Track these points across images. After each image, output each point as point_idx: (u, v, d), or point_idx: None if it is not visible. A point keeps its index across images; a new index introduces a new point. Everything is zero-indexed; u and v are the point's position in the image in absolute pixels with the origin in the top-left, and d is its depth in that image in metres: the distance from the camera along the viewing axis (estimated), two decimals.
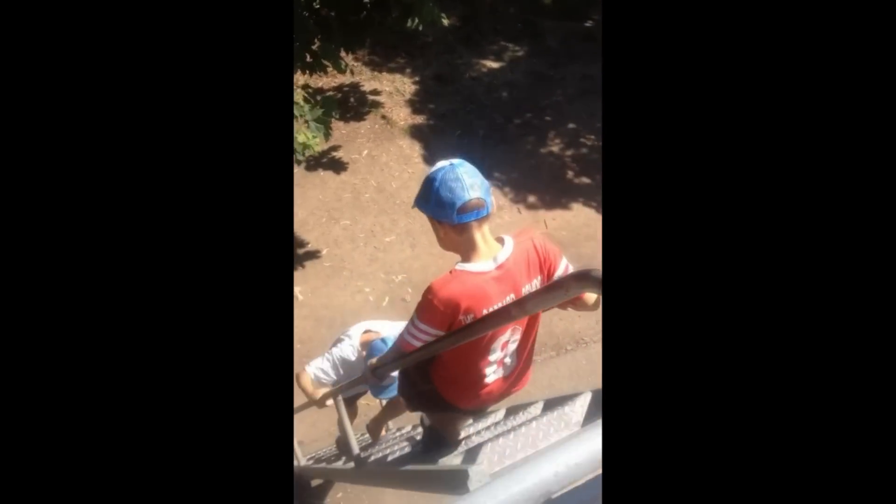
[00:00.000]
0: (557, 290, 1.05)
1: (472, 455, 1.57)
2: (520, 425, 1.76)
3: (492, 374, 1.60)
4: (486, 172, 5.23)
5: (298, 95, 3.25)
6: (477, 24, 6.88)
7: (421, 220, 5.34)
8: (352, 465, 2.27)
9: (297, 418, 3.38)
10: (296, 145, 3.17)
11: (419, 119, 6.25)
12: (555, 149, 6.09)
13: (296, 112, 3.17)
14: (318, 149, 3.31)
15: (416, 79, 6.61)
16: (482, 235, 1.43)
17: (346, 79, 6.27)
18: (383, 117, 6.19)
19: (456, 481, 1.25)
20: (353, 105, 6.21)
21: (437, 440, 1.94)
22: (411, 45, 6.83)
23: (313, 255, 4.94)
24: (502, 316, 1.23)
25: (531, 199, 5.57)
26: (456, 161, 1.45)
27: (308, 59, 3.43)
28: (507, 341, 1.55)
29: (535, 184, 5.67)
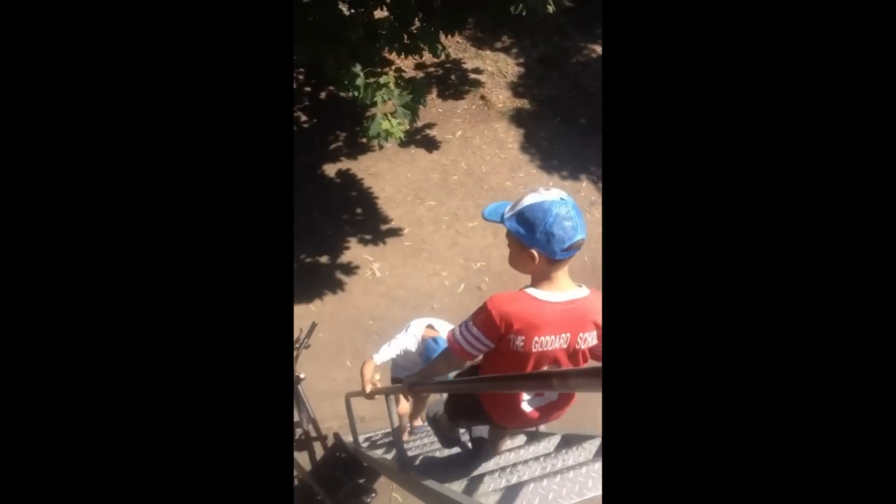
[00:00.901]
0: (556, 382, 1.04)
1: (512, 493, 1.50)
2: (568, 468, 1.68)
3: (533, 399, 1.65)
4: (582, 164, 4.91)
5: (390, 79, 3.19)
6: (591, 6, 6.48)
7: None
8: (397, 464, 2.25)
9: (355, 399, 3.43)
10: (379, 130, 3.14)
11: (519, 102, 6.04)
12: None
13: (385, 96, 3.12)
14: (401, 135, 3.24)
15: (521, 60, 6.38)
16: (563, 272, 1.49)
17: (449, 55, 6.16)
18: (482, 98, 6.04)
19: None
20: (452, 83, 6.10)
21: (478, 448, 2.06)
22: (519, 24, 6.57)
23: (395, 232, 4.96)
24: (541, 381, 1.23)
25: None
26: (565, 195, 1.47)
27: (405, 40, 3.35)
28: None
29: None
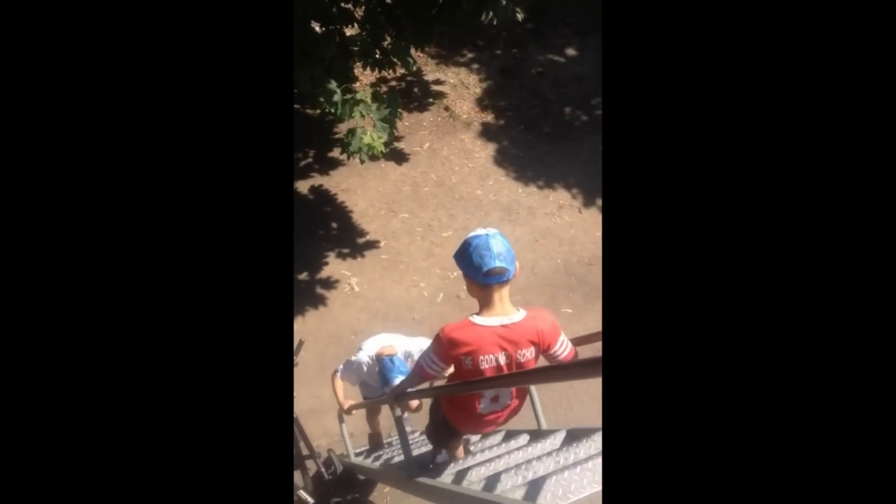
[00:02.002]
0: (558, 374, 1.29)
1: (535, 488, 1.55)
2: (586, 458, 1.74)
3: (486, 408, 1.95)
4: (549, 170, 5.06)
5: (367, 94, 3.24)
6: (546, 17, 6.69)
7: (478, 217, 5.28)
8: (403, 470, 2.27)
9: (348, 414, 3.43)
10: (361, 145, 3.17)
11: (483, 113, 6.17)
12: None
13: (363, 111, 3.17)
14: (381, 148, 3.29)
15: (482, 72, 6.52)
16: (500, 296, 1.76)
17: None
18: (446, 109, 6.14)
19: None
20: (416, 96, 6.19)
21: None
22: (478, 38, 6.72)
23: (371, 245, 4.98)
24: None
25: (593, 198, 5.42)
26: (492, 231, 1.78)
27: (378, 55, 3.41)
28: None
29: (598, 183, 5.51)
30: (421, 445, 2.91)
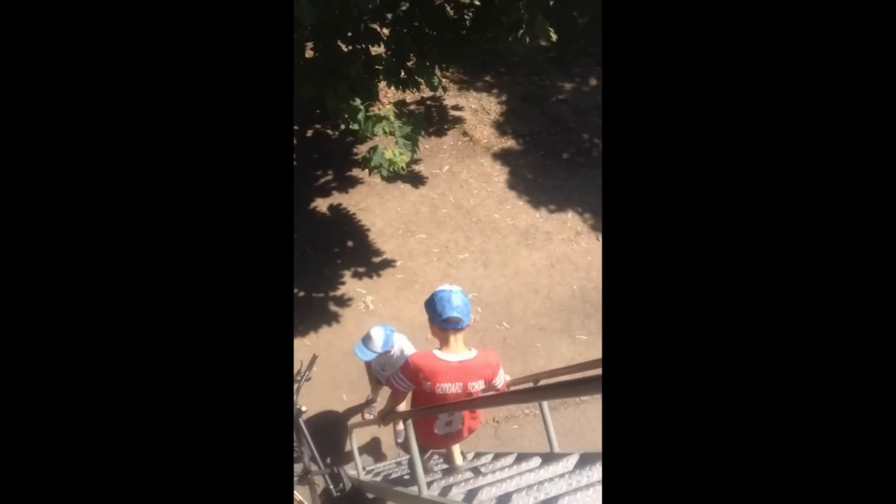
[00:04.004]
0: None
1: None
2: (599, 481, 1.72)
3: (442, 429, 2.47)
4: (567, 196, 5.05)
5: (390, 112, 3.28)
6: (568, 47, 6.77)
7: (495, 241, 5.28)
8: (415, 489, 2.23)
9: (358, 430, 3.39)
10: (382, 160, 3.21)
11: (503, 139, 6.21)
12: None
13: (386, 128, 3.21)
14: (403, 165, 3.32)
15: (503, 98, 6.58)
16: (455, 339, 2.25)
17: (428, 93, 6.32)
18: (465, 134, 6.19)
19: None
20: (435, 120, 6.26)
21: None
22: (500, 64, 6.82)
23: (387, 265, 4.98)
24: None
25: None
26: (455, 288, 2.27)
27: (402, 75, 3.46)
28: (451, 412, 2.40)
29: None
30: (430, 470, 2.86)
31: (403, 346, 3.37)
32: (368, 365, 3.69)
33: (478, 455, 2.92)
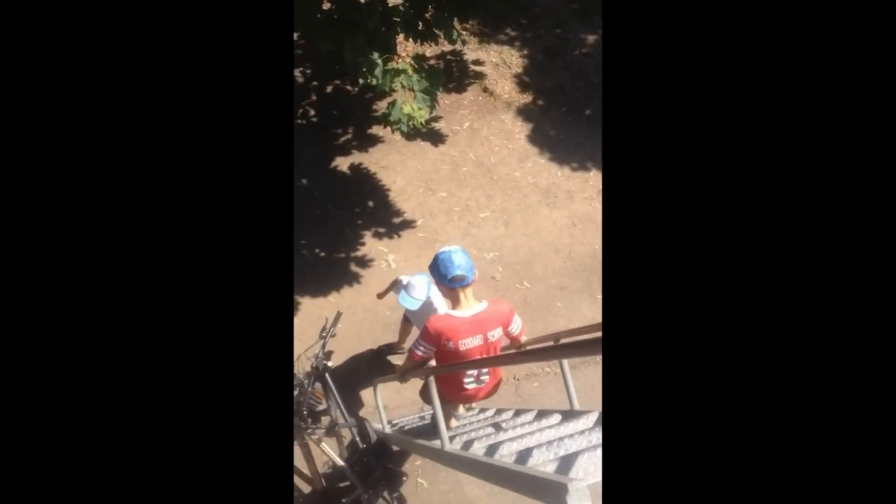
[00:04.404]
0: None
1: (567, 463, 1.52)
2: None
3: (471, 383, 2.58)
4: (590, 154, 4.94)
5: (408, 65, 3.21)
6: None
7: (516, 199, 5.22)
8: (437, 443, 2.28)
9: (382, 385, 3.45)
10: (401, 115, 3.15)
11: (524, 94, 6.06)
12: None
13: (404, 82, 3.14)
14: (423, 120, 3.26)
15: (525, 51, 6.39)
16: (465, 295, 2.37)
17: (448, 47, 6.16)
18: (485, 90, 6.06)
19: (554, 492, 1.20)
20: (455, 75, 6.12)
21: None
22: (521, 16, 6.59)
23: (409, 224, 4.97)
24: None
25: None
26: (454, 248, 2.38)
27: (420, 27, 3.37)
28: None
29: None
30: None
31: (435, 295, 3.38)
32: (406, 318, 3.79)
33: (498, 411, 2.96)
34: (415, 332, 3.85)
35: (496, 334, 2.40)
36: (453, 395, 2.61)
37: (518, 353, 2.43)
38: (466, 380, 2.56)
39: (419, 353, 2.43)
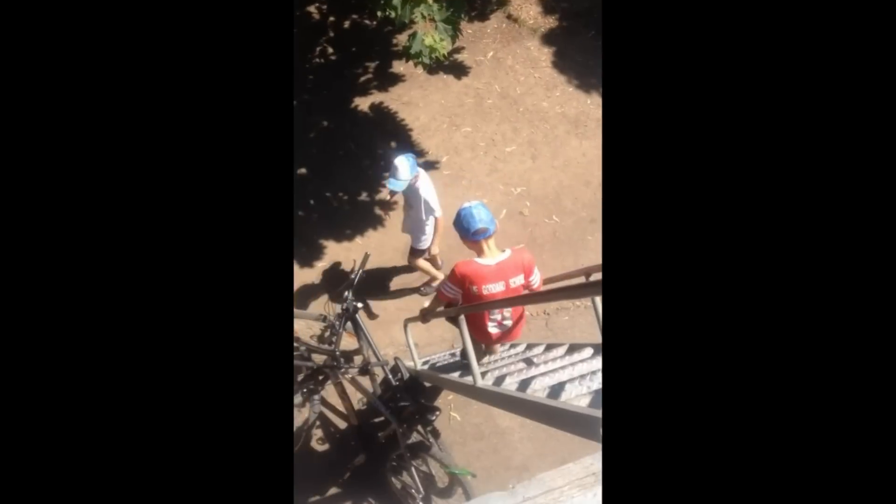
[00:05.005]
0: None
1: (600, 397, 1.51)
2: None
3: (493, 328, 2.77)
4: None
5: None
6: None
7: (543, 131, 5.06)
8: (469, 379, 2.30)
9: (412, 324, 3.49)
10: (422, 48, 3.02)
11: (550, 18, 5.76)
12: None
13: (424, 12, 2.98)
14: (445, 52, 3.12)
15: None
16: (488, 246, 2.60)
17: None
18: (509, 16, 5.77)
19: (588, 426, 1.19)
20: (477, 3, 5.83)
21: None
22: None
23: (433, 163, 4.89)
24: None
25: None
26: (474, 203, 2.66)
27: None
28: (502, 311, 2.73)
29: None
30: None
31: (423, 176, 3.72)
32: (420, 252, 3.99)
33: (529, 346, 2.98)
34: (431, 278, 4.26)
35: (518, 281, 2.60)
36: (478, 338, 2.80)
37: (548, 292, 2.53)
38: (490, 324, 2.73)
39: (446, 293, 2.66)
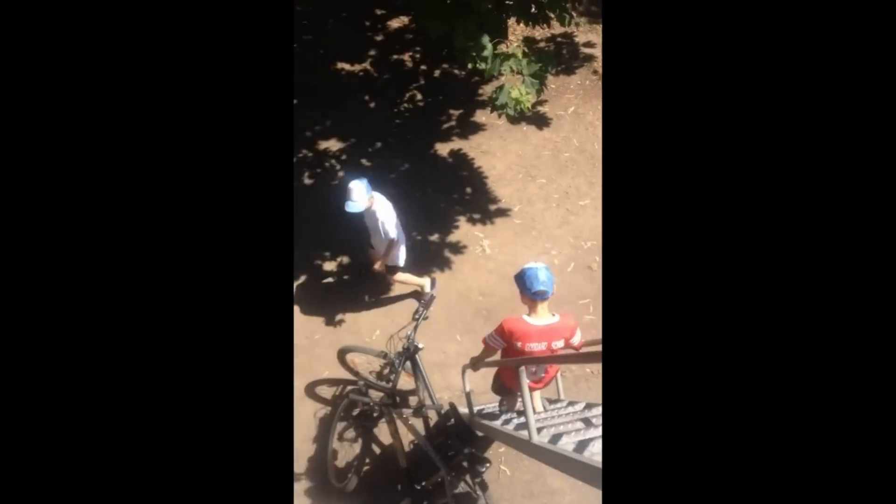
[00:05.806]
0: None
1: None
2: None
3: (530, 377, 2.85)
4: None
5: (518, 49, 3.14)
6: None
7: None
8: (525, 433, 2.25)
9: (470, 372, 3.47)
10: (507, 100, 3.10)
11: None
12: None
13: (513, 66, 3.08)
14: (529, 104, 3.19)
15: None
16: (543, 307, 2.75)
17: (559, 29, 5.97)
18: (595, 72, 5.83)
19: None
20: (564, 58, 5.94)
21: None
22: None
23: (505, 211, 4.93)
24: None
25: None
26: (540, 265, 2.75)
27: (533, 9, 3.28)
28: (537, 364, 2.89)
29: None
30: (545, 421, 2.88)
31: (379, 200, 3.77)
32: (396, 268, 4.11)
33: (588, 406, 2.88)
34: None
35: (559, 344, 2.78)
36: (511, 386, 3.04)
37: (586, 354, 2.74)
38: (526, 372, 2.84)
39: (490, 343, 2.85)
